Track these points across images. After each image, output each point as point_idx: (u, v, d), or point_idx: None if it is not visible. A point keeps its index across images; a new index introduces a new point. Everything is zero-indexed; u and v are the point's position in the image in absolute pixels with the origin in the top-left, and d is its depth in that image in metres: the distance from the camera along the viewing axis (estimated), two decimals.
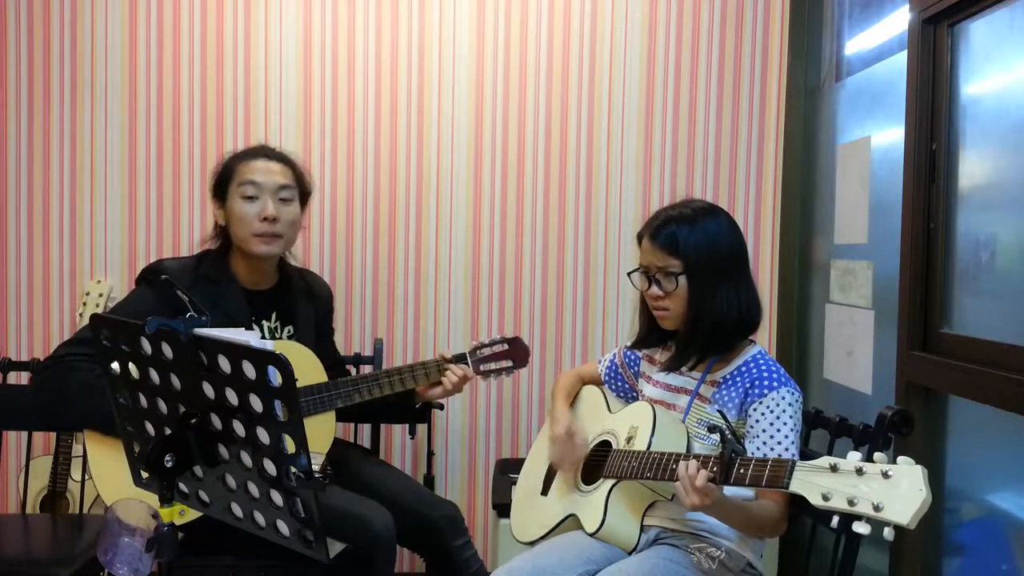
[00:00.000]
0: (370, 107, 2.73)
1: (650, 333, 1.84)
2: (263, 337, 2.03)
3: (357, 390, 2.03)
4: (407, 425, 2.54)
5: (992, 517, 1.86)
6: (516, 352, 2.21)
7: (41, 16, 2.69)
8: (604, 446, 1.80)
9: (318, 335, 2.16)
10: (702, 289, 1.67)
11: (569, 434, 1.82)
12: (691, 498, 1.43)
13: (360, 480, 2.08)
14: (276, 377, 1.13)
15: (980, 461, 1.90)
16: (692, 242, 1.67)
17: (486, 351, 2.17)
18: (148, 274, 1.98)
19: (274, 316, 2.08)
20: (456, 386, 2.10)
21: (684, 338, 1.72)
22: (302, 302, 2.14)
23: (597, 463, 1.78)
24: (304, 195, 2.11)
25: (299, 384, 1.94)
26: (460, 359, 2.14)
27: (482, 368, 2.17)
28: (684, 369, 1.77)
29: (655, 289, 1.71)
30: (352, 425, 2.52)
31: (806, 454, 1.67)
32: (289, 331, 2.10)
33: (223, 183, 2.04)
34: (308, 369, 2.00)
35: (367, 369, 2.47)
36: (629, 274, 1.79)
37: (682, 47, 2.75)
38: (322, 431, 2.00)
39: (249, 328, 1.99)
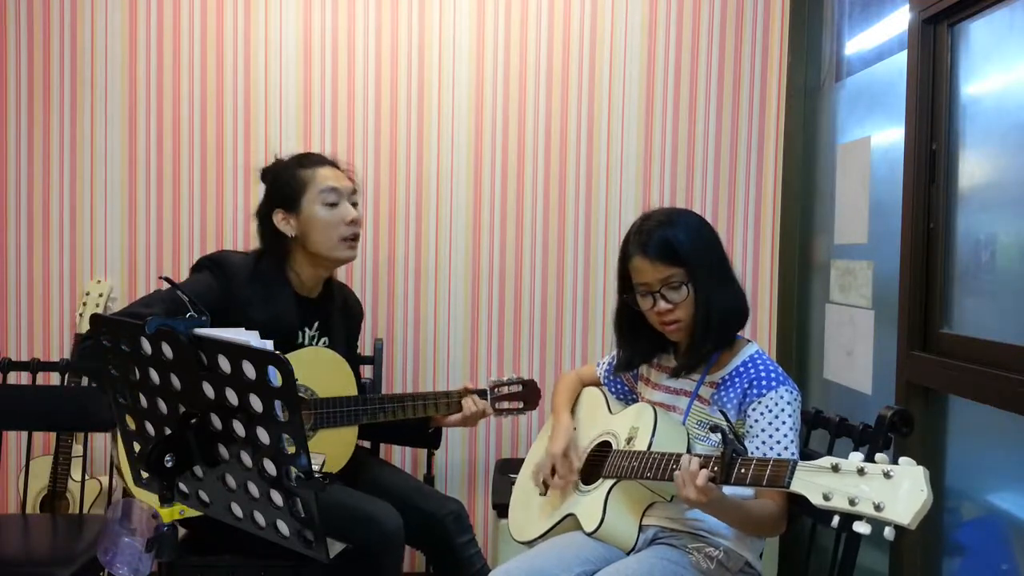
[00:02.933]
0: (370, 107, 2.73)
1: (636, 353, 1.81)
2: (301, 344, 2.07)
3: (383, 410, 2.08)
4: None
5: (992, 517, 1.86)
6: (529, 394, 2.31)
7: (41, 16, 2.69)
8: (604, 446, 1.80)
9: (346, 349, 2.19)
10: (706, 287, 1.66)
11: (566, 455, 1.82)
12: (688, 491, 1.43)
13: (365, 478, 2.10)
14: (276, 377, 1.13)
15: (980, 461, 1.90)
16: (687, 243, 1.65)
17: (504, 390, 2.27)
18: (207, 262, 2.02)
19: (315, 325, 2.11)
20: (474, 416, 2.17)
21: (696, 340, 1.68)
22: (339, 316, 2.19)
23: (597, 463, 1.78)
24: None
25: (331, 394, 2.00)
26: (481, 395, 2.22)
27: (497, 406, 2.26)
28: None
29: (662, 304, 1.66)
30: None
31: (806, 454, 1.67)
32: (325, 342, 2.13)
33: (295, 194, 2.03)
34: (342, 381, 2.05)
35: (367, 369, 2.48)
36: (624, 298, 1.74)
37: (682, 47, 2.75)
38: (345, 442, 2.03)
39: (295, 332, 2.05)
